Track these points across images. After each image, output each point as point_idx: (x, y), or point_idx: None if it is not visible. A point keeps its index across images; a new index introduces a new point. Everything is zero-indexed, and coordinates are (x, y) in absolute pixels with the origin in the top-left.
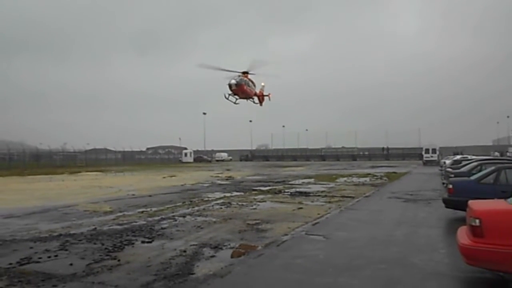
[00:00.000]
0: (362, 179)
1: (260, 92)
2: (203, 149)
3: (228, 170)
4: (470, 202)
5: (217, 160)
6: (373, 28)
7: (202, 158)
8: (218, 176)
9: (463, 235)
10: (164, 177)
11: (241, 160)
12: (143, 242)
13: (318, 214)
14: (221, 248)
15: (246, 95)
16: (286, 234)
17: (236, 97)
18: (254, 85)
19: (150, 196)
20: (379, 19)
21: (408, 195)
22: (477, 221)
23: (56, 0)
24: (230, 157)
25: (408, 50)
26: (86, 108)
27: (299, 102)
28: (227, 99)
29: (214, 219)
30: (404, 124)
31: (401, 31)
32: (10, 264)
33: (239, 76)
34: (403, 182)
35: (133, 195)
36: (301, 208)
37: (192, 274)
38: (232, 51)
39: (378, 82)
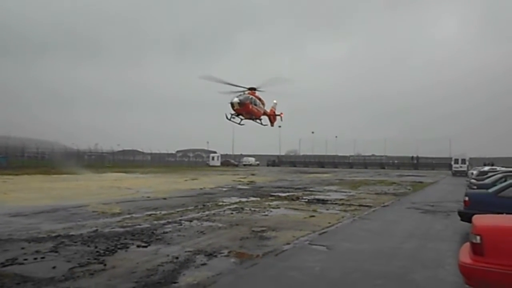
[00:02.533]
0: (385, 188)
1: (271, 111)
2: (231, 153)
3: (252, 175)
4: (475, 216)
5: (244, 165)
6: (409, 33)
7: (229, 162)
8: (240, 181)
9: (465, 252)
10: (186, 180)
11: (268, 165)
12: (138, 246)
13: (329, 223)
14: (215, 256)
15: (252, 115)
16: (288, 243)
17: (241, 117)
18: (263, 104)
19: (164, 199)
20: (416, 24)
21: (429, 206)
22: (478, 237)
23: (89, 3)
24: (258, 162)
25: (442, 56)
26: (119, 110)
27: (330, 108)
28: (230, 120)
29: (220, 225)
30: (435, 132)
31: (437, 36)
32: None
33: (244, 93)
34: (427, 192)
35: (148, 197)
36: (313, 216)
37: (175, 283)
38: (268, 55)
39: (411, 88)
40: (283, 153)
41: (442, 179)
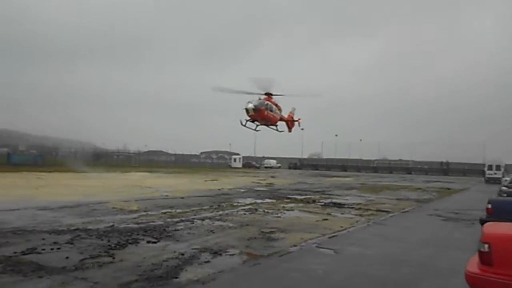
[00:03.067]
0: (408, 193)
1: (289, 116)
2: (253, 155)
3: (272, 177)
4: (487, 224)
5: (266, 167)
6: (439, 34)
7: (251, 164)
8: (259, 183)
9: (474, 262)
10: (206, 181)
11: (289, 168)
12: (148, 242)
13: (341, 227)
14: (220, 254)
15: (268, 121)
16: (295, 245)
17: (256, 123)
18: (280, 109)
19: (182, 198)
20: (446, 25)
21: (453, 213)
22: (486, 246)
23: (118, 8)
24: (279, 165)
25: (475, 57)
26: (148, 111)
27: (355, 111)
28: (244, 126)
29: (230, 225)
30: (468, 137)
31: (469, 36)
32: (15, 253)
33: (259, 98)
34: (454, 199)
35: (166, 196)
36: (326, 219)
37: (176, 278)
38: (293, 58)
39: (441, 91)
40: (305, 156)
41: (472, 186)
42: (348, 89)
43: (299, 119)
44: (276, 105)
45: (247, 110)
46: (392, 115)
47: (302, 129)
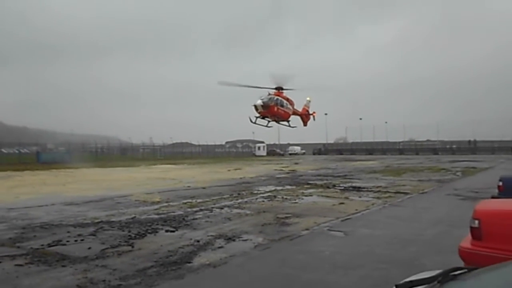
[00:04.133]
0: (431, 175)
1: (303, 110)
2: (277, 142)
3: (296, 164)
4: (481, 201)
5: (290, 154)
6: (466, 9)
7: (275, 152)
8: (282, 170)
9: (467, 238)
10: (228, 170)
11: (314, 154)
12: (167, 231)
13: (356, 210)
14: (234, 240)
15: (278, 117)
16: (308, 229)
17: (267, 119)
18: (292, 104)
19: (203, 188)
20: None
21: (472, 192)
22: (476, 222)
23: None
24: (303, 151)
25: (503, 30)
26: (172, 104)
27: (380, 93)
28: (254, 123)
29: (248, 212)
30: (497, 113)
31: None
32: (42, 245)
33: (268, 94)
34: (477, 178)
35: (189, 187)
36: (342, 203)
37: (189, 263)
38: (318, 40)
39: (467, 67)
40: (331, 141)
41: (499, 164)
42: (372, 71)
43: (314, 112)
44: (288, 99)
45: (255, 107)
46: (416, 95)
47: (326, 114)
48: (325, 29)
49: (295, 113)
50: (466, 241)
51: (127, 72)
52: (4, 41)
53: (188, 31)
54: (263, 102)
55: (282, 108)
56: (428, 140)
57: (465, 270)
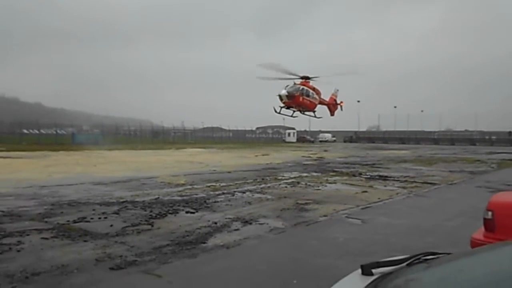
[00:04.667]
0: (464, 166)
1: (331, 99)
2: (308, 129)
3: (325, 151)
4: (497, 194)
5: (321, 141)
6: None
7: (305, 139)
8: (310, 157)
9: (480, 230)
10: (256, 156)
11: (344, 142)
12: (187, 212)
13: (378, 198)
14: (250, 223)
15: (304, 108)
16: (326, 216)
17: (293, 109)
18: (318, 93)
19: (229, 172)
20: None
21: (504, 185)
22: (490, 213)
23: None
24: (334, 138)
25: None
26: (205, 89)
27: (416, 81)
28: (279, 113)
29: (269, 197)
30: None
31: None
32: (67, 221)
33: (294, 84)
34: None
35: (214, 171)
36: (365, 191)
37: (204, 243)
38: (350, 27)
39: (506, 56)
40: (363, 129)
41: None
42: (407, 58)
43: (342, 102)
44: (314, 89)
45: (280, 97)
46: (455, 84)
47: (359, 101)
48: (356, 19)
49: (321, 102)
50: (479, 233)
51: (161, 57)
52: (41, 29)
53: (219, 17)
54: (287, 92)
55: (307, 98)
56: (466, 130)
57: (438, 255)
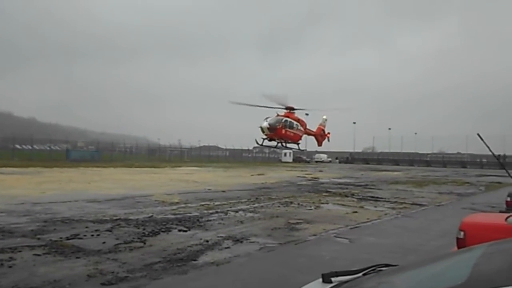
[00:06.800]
0: (453, 188)
1: (318, 130)
2: (304, 149)
3: (320, 171)
4: (470, 215)
5: (316, 161)
6: (499, 22)
7: (301, 159)
8: (304, 177)
9: (454, 249)
10: (252, 175)
11: (339, 162)
12: (180, 230)
13: (367, 219)
14: (241, 242)
15: (287, 140)
16: (315, 235)
17: (276, 141)
18: (303, 125)
19: (223, 191)
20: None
21: (489, 207)
22: (462, 233)
23: (173, 7)
24: (329, 159)
25: None
26: (202, 107)
27: (412, 104)
28: (261, 145)
29: (261, 216)
30: None
31: None
32: (60, 238)
33: (277, 114)
34: (499, 193)
35: (209, 189)
36: (356, 212)
37: (195, 260)
38: (355, 48)
39: (505, 80)
40: (359, 150)
41: None
42: (405, 81)
43: (328, 133)
44: (299, 120)
45: (262, 129)
46: (449, 108)
47: (354, 122)
48: (361, 39)
49: (308, 133)
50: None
51: (159, 75)
52: (38, 42)
53: (222, 36)
54: (269, 124)
55: (291, 130)
56: (458, 153)
57: (393, 267)
